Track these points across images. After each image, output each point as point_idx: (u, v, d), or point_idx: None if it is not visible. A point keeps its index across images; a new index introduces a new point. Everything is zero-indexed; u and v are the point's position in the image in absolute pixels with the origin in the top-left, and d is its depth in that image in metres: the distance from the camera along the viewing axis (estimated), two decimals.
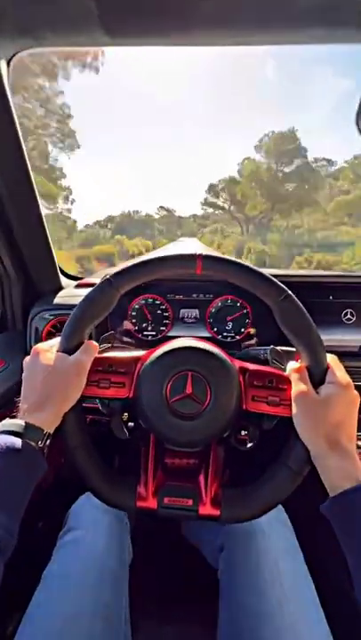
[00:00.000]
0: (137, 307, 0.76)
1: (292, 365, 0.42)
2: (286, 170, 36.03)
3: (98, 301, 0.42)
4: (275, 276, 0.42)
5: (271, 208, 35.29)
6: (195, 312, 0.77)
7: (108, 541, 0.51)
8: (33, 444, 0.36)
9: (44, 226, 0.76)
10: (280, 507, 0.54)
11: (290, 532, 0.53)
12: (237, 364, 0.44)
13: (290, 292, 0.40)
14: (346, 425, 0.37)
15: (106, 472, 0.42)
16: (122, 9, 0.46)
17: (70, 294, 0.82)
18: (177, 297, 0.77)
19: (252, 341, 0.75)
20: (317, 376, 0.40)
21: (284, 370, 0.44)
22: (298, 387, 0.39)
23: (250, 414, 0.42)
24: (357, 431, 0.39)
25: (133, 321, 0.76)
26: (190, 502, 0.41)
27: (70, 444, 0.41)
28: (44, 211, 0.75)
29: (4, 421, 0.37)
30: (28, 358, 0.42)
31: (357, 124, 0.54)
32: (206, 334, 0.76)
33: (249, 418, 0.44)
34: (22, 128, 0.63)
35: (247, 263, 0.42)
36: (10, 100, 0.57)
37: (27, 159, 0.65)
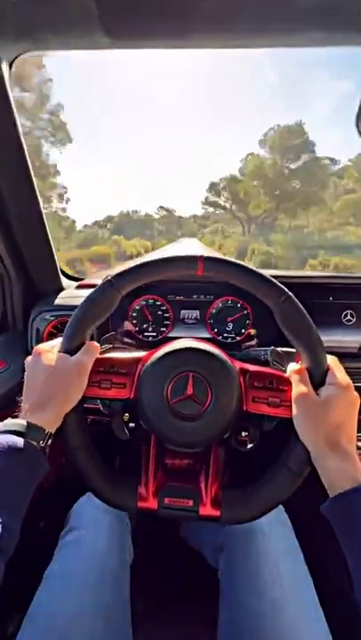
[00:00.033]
0: (138, 307, 0.76)
1: (292, 367, 0.42)
2: (292, 166, 33.80)
3: (99, 302, 0.43)
4: (275, 276, 0.42)
5: (276, 207, 33.42)
6: (195, 313, 0.77)
7: (109, 541, 0.51)
8: (35, 443, 0.36)
9: (44, 226, 0.76)
10: (280, 507, 0.54)
11: (290, 532, 0.53)
12: (238, 365, 0.45)
13: (290, 293, 0.41)
14: (346, 426, 0.37)
15: (107, 472, 0.42)
16: (122, 12, 0.47)
17: (71, 295, 0.82)
18: (178, 298, 0.77)
19: (253, 342, 0.76)
20: (318, 377, 0.40)
21: (285, 371, 0.44)
22: (298, 388, 0.39)
23: (250, 415, 0.42)
24: (357, 432, 0.39)
25: (134, 322, 0.76)
26: (191, 503, 0.41)
27: (71, 444, 0.41)
28: None
29: (5, 421, 0.37)
30: (29, 358, 0.42)
31: (357, 126, 0.55)
32: (207, 335, 0.76)
33: (249, 419, 0.44)
34: None
35: (248, 265, 0.42)
36: (12, 102, 0.57)
37: (28, 160, 0.66)
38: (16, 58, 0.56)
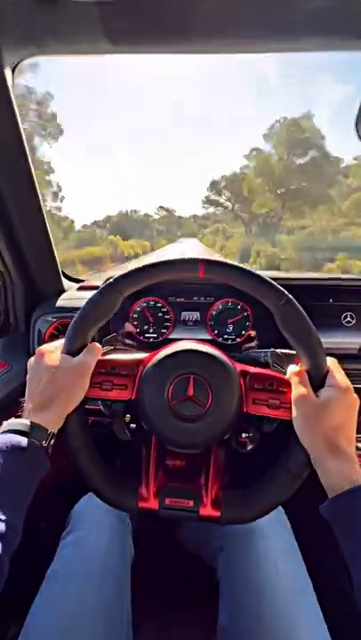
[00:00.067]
0: (138, 309, 0.77)
1: (292, 369, 0.43)
2: (300, 162, 29.71)
3: (101, 304, 0.43)
4: (275, 278, 0.42)
5: (282, 205, 29.74)
6: (196, 315, 0.77)
7: (111, 542, 0.51)
8: (37, 443, 0.36)
9: (46, 229, 0.77)
10: (279, 508, 0.54)
11: (289, 532, 0.54)
12: (238, 366, 0.45)
13: (290, 296, 0.41)
14: (345, 428, 0.37)
15: (108, 473, 0.43)
16: (124, 19, 0.47)
17: (72, 297, 0.83)
18: (178, 299, 0.77)
19: (253, 344, 0.76)
20: (317, 379, 0.40)
21: (285, 373, 0.45)
22: (298, 390, 0.40)
23: (250, 417, 0.43)
24: (357, 433, 0.39)
25: (135, 323, 0.77)
26: (191, 503, 0.42)
27: (73, 444, 0.41)
28: None
29: (9, 420, 0.38)
30: (32, 359, 0.43)
31: (357, 129, 0.55)
32: (207, 337, 0.76)
33: (250, 420, 0.44)
34: None
35: (248, 267, 0.42)
36: (15, 106, 0.58)
37: (30, 164, 0.66)
38: (19, 62, 0.57)
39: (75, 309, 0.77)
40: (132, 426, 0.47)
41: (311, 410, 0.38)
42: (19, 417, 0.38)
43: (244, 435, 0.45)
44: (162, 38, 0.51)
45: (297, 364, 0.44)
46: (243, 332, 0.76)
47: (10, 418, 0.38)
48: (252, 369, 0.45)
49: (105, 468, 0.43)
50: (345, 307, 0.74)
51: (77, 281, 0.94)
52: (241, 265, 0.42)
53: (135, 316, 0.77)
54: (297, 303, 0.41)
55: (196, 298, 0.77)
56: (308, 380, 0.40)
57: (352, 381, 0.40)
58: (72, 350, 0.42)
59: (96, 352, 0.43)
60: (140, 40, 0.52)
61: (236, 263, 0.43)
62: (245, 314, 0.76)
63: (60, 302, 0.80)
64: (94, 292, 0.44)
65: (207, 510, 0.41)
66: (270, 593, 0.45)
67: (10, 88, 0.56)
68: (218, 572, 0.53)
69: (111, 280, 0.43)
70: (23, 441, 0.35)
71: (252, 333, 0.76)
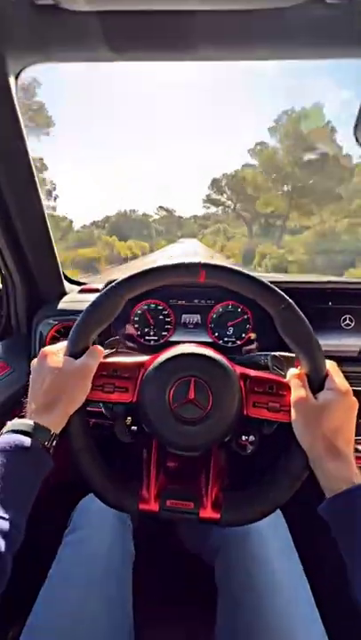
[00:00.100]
0: (139, 312, 0.77)
1: (292, 372, 0.43)
2: (309, 157, 26.76)
3: (104, 307, 0.43)
4: (275, 282, 0.43)
5: (288, 204, 26.94)
6: (196, 317, 0.78)
7: (112, 541, 0.52)
8: (40, 443, 0.37)
9: (48, 232, 0.77)
10: None
11: (285, 531, 0.54)
12: (239, 370, 0.45)
13: (290, 300, 0.41)
14: (344, 430, 0.38)
15: (109, 475, 0.43)
16: (126, 28, 0.48)
17: (74, 299, 0.84)
18: (179, 302, 0.78)
19: (253, 346, 0.76)
20: (316, 382, 0.41)
21: (285, 376, 0.45)
22: (297, 393, 0.40)
23: (251, 420, 0.43)
24: (356, 435, 0.40)
25: (136, 326, 0.77)
26: (192, 505, 0.42)
27: (75, 446, 0.42)
28: None
29: (13, 421, 0.38)
30: (35, 360, 0.43)
31: (356, 135, 0.56)
32: (207, 339, 0.77)
33: (250, 423, 0.45)
34: None
35: (249, 272, 0.43)
36: (19, 113, 0.59)
37: (33, 168, 0.67)
38: (22, 69, 0.58)
39: (76, 312, 0.77)
40: (134, 428, 0.48)
41: (310, 412, 0.38)
42: (22, 417, 0.39)
43: (244, 437, 0.46)
44: (163, 47, 0.52)
45: (297, 367, 0.44)
46: (243, 335, 0.76)
47: (13, 418, 0.39)
48: (253, 372, 0.46)
49: (106, 470, 0.43)
50: (344, 309, 0.74)
51: (79, 284, 0.95)
52: (242, 269, 0.43)
53: (136, 318, 0.77)
54: (297, 307, 0.41)
55: (196, 301, 0.78)
56: (307, 383, 0.41)
57: (351, 384, 0.41)
58: (74, 352, 0.43)
59: (98, 355, 0.44)
60: (142, 48, 0.53)
61: (236, 268, 0.43)
62: (245, 317, 0.76)
63: (62, 305, 0.81)
64: (95, 294, 0.44)
65: (207, 512, 0.42)
66: (267, 591, 0.45)
67: (14, 95, 0.57)
68: (215, 570, 0.53)
69: (114, 284, 0.43)
70: (27, 441, 0.36)
71: (253, 336, 0.76)
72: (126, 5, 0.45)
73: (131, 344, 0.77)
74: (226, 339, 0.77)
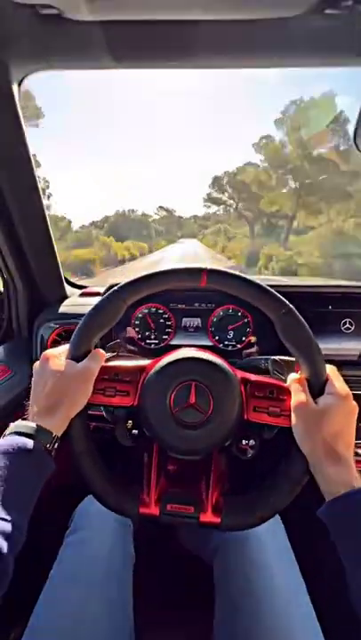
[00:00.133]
0: (140, 315, 0.78)
1: (292, 376, 0.43)
2: (319, 151, 24.19)
3: (106, 311, 0.44)
4: (275, 285, 0.43)
5: (296, 202, 24.70)
6: (197, 321, 0.78)
7: (113, 542, 0.52)
8: (43, 446, 0.37)
9: (50, 237, 0.78)
10: None
11: (283, 536, 0.55)
12: (239, 374, 0.46)
13: (291, 306, 0.42)
14: (344, 435, 0.38)
15: (110, 478, 0.43)
16: (128, 37, 0.49)
17: (75, 303, 0.84)
18: (179, 306, 0.78)
19: (253, 349, 0.77)
20: (317, 387, 0.41)
21: (285, 380, 0.45)
22: (297, 397, 0.40)
23: (251, 424, 0.43)
24: (356, 439, 0.40)
25: (137, 329, 0.78)
26: (192, 509, 0.42)
27: (76, 449, 0.42)
28: None
29: (16, 422, 0.38)
30: (37, 363, 0.44)
31: (355, 141, 0.57)
32: (208, 343, 0.77)
33: (250, 427, 0.45)
34: None
35: (250, 277, 0.43)
36: (22, 120, 0.60)
37: (35, 173, 0.68)
38: (24, 77, 0.59)
39: (77, 316, 0.78)
40: (134, 432, 0.48)
41: (311, 417, 0.39)
42: (24, 420, 0.39)
43: (244, 442, 0.46)
44: (166, 55, 0.53)
45: (297, 372, 0.45)
46: (243, 339, 0.77)
47: (16, 420, 0.39)
48: (253, 376, 0.46)
49: (107, 474, 0.43)
50: (344, 313, 0.74)
51: (80, 287, 0.95)
52: (243, 275, 0.43)
53: (137, 322, 0.78)
54: (297, 313, 0.42)
55: (197, 304, 0.78)
56: (307, 388, 0.41)
57: (351, 388, 0.41)
58: (76, 356, 0.43)
59: (100, 358, 0.44)
60: (144, 57, 0.53)
61: (237, 273, 0.43)
62: (246, 320, 0.76)
63: (63, 308, 0.81)
64: (97, 298, 0.45)
65: (208, 517, 0.42)
66: (264, 594, 0.45)
67: (17, 102, 0.57)
68: (214, 572, 0.53)
69: (116, 288, 0.44)
70: (29, 443, 0.36)
71: (253, 339, 0.76)
72: (129, 16, 0.45)
73: (131, 347, 0.78)
74: (226, 342, 0.77)
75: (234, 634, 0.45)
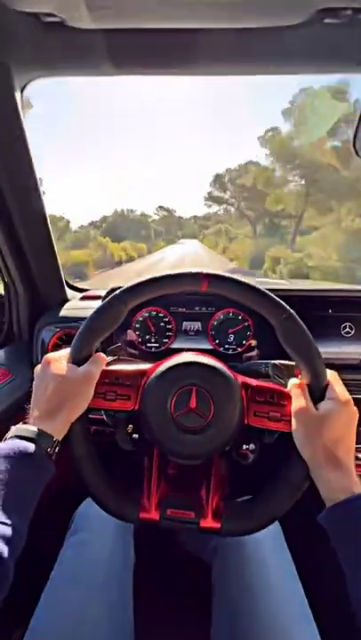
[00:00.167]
0: (141, 319, 0.78)
1: (292, 381, 0.44)
2: (332, 143, 21.18)
3: (107, 316, 0.44)
4: (276, 290, 0.43)
5: (305, 200, 22.34)
6: (197, 325, 0.78)
7: (114, 544, 0.52)
8: (43, 449, 0.37)
9: (51, 240, 0.78)
10: None
11: (280, 536, 0.55)
12: (240, 379, 0.46)
13: (292, 311, 0.42)
14: (345, 440, 0.38)
15: (110, 483, 0.43)
16: (130, 45, 0.50)
17: (76, 306, 0.84)
18: (180, 310, 0.78)
19: (254, 353, 0.77)
20: (317, 392, 0.41)
21: (285, 384, 0.45)
22: (298, 402, 0.40)
23: (252, 429, 0.43)
24: (356, 444, 0.40)
25: (137, 333, 0.78)
26: (192, 515, 0.42)
27: (76, 453, 0.42)
28: None
29: (17, 426, 0.39)
30: (39, 367, 0.44)
31: (355, 147, 0.57)
32: (208, 346, 0.77)
33: (251, 432, 0.45)
34: None
35: (250, 282, 0.43)
36: (24, 125, 0.60)
37: (37, 177, 0.69)
38: (27, 83, 0.59)
39: (78, 319, 0.78)
40: (135, 436, 0.48)
41: (311, 422, 0.39)
42: (25, 424, 0.39)
43: (245, 446, 0.46)
44: (166, 62, 0.53)
45: (297, 376, 0.45)
46: (243, 342, 0.77)
47: (17, 423, 0.39)
48: (254, 381, 0.46)
49: (107, 478, 0.43)
50: (344, 317, 0.74)
51: (80, 290, 0.96)
52: (244, 279, 0.43)
53: (137, 325, 0.78)
54: (298, 318, 0.42)
55: (197, 308, 0.78)
56: (308, 393, 0.41)
57: (351, 392, 0.41)
58: (78, 360, 0.43)
59: (101, 362, 0.44)
60: (145, 64, 0.54)
61: (238, 277, 0.44)
62: (246, 324, 0.77)
63: (64, 312, 0.81)
64: (97, 301, 0.45)
65: (208, 522, 0.42)
66: (261, 594, 0.46)
67: (20, 108, 0.58)
68: (213, 572, 0.53)
69: (117, 292, 0.44)
70: (30, 447, 0.36)
71: (253, 343, 0.76)
72: (131, 24, 0.46)
73: (132, 350, 0.78)
74: (227, 346, 0.77)
75: (232, 634, 0.45)
